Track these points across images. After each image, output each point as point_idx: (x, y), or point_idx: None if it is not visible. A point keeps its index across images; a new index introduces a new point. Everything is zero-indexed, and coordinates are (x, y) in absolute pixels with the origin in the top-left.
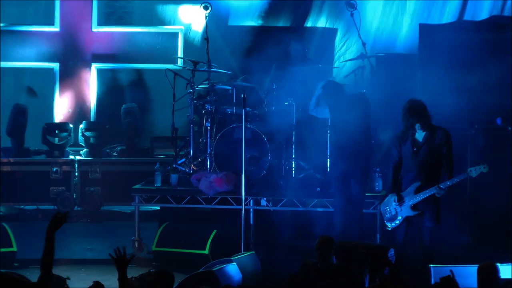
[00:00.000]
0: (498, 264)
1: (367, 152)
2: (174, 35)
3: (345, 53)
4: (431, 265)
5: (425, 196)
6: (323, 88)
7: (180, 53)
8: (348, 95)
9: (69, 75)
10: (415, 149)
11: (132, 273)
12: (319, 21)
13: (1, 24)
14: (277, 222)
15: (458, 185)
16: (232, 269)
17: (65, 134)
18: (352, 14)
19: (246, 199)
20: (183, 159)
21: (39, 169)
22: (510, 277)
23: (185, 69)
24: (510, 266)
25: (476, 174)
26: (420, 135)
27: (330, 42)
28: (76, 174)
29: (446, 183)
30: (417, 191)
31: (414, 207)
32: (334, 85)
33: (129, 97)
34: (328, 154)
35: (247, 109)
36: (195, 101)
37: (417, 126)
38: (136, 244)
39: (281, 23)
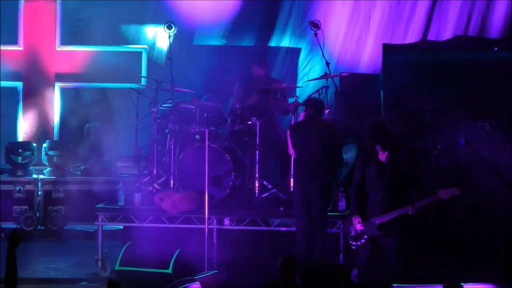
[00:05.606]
0: (462, 284)
1: (327, 173)
2: (138, 54)
3: (308, 72)
4: (395, 285)
5: (395, 215)
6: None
7: (143, 72)
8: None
9: (32, 94)
10: (379, 170)
11: None
12: (283, 40)
13: None
14: (241, 242)
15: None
16: None
17: (28, 153)
18: (316, 34)
19: (209, 218)
20: (147, 178)
21: (2, 188)
22: None
23: (148, 88)
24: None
25: (447, 197)
26: (383, 155)
27: (293, 61)
28: (39, 193)
29: (422, 202)
30: (385, 211)
31: (380, 227)
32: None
33: (92, 116)
34: (292, 174)
35: (211, 128)
36: (158, 120)
37: (378, 147)
38: (100, 263)
39: (245, 42)
